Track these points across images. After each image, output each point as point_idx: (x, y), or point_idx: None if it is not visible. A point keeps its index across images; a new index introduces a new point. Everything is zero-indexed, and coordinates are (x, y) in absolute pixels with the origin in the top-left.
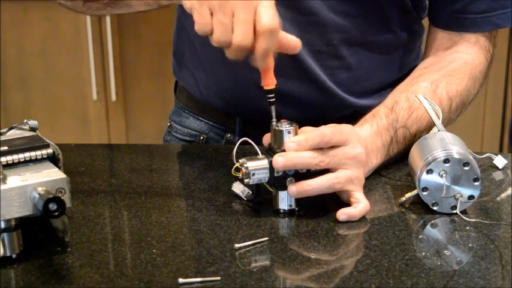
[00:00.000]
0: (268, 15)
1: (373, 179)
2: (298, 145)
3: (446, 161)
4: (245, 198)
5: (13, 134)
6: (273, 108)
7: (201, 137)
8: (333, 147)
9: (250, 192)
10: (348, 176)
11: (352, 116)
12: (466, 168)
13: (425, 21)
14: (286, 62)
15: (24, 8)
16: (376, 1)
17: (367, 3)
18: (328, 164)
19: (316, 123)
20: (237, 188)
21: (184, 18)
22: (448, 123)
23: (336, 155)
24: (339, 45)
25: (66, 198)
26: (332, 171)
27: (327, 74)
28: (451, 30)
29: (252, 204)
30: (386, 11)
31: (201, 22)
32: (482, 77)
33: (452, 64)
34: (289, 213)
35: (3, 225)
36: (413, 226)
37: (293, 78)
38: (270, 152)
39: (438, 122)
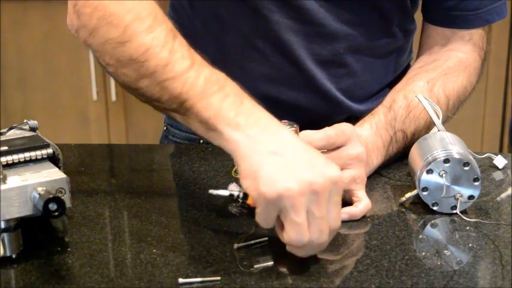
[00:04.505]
0: (336, 218)
1: (373, 179)
2: None
3: (446, 161)
4: (240, 201)
5: (13, 134)
6: None
7: (201, 141)
8: (334, 148)
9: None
10: (351, 176)
11: (353, 119)
12: (466, 168)
13: (419, 19)
14: (292, 73)
15: (24, 8)
16: (380, 6)
17: (372, 9)
18: None
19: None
20: (233, 189)
21: (181, 26)
22: (445, 122)
23: (339, 156)
24: (345, 54)
25: (66, 198)
26: None
27: (332, 82)
28: (444, 27)
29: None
30: (389, 15)
31: (264, 222)
32: (476, 74)
33: (447, 62)
34: None
35: (3, 225)
36: (413, 226)
37: (299, 88)
38: None
39: (438, 121)
